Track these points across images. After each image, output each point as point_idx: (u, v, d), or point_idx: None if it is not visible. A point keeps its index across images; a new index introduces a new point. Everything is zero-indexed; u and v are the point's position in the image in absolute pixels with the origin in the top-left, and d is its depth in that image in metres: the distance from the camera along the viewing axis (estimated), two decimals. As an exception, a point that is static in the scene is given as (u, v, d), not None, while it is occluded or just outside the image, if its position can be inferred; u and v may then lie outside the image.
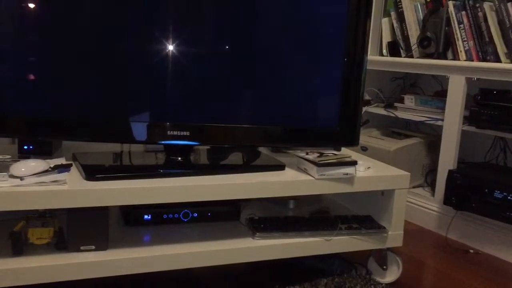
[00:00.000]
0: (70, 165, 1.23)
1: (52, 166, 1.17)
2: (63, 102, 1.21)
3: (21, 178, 1.09)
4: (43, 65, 1.18)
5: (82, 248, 1.14)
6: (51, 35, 1.17)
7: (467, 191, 1.79)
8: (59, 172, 1.16)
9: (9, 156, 1.23)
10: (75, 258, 1.11)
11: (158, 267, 1.18)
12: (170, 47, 1.24)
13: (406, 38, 2.18)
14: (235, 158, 1.44)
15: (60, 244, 1.15)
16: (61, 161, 1.25)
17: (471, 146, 2.16)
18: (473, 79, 1.87)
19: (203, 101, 1.29)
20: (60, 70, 1.19)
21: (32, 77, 1.18)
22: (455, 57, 1.96)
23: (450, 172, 1.86)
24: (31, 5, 1.15)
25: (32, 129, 1.21)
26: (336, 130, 1.41)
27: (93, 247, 1.15)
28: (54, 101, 1.20)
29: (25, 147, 1.30)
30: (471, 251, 1.83)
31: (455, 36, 1.93)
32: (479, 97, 1.84)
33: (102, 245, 1.16)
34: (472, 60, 1.89)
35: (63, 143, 1.45)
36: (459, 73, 1.89)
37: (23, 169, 1.10)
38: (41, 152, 1.30)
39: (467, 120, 1.89)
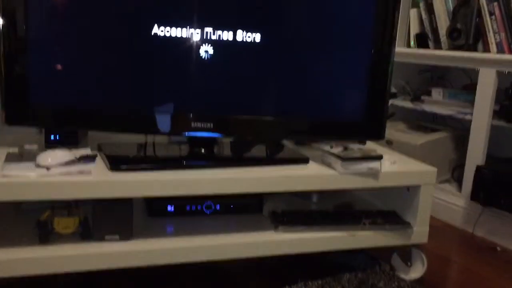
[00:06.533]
0: (95, 155, 1.24)
1: (77, 156, 1.18)
2: (90, 93, 1.21)
3: (48, 168, 1.10)
4: (70, 55, 1.19)
5: (106, 237, 1.15)
6: (78, 25, 1.18)
7: (495, 187, 1.75)
8: (84, 163, 1.17)
9: (36, 146, 1.25)
10: (99, 247, 1.13)
11: (180, 259, 1.19)
12: (196, 38, 1.23)
13: (434, 30, 2.13)
14: (259, 151, 1.43)
15: (85, 233, 1.16)
16: (87, 151, 1.27)
17: (500, 141, 2.11)
18: (504, 72, 1.82)
19: (228, 93, 1.29)
20: (87, 61, 1.20)
21: (59, 67, 1.19)
22: (486, 49, 1.90)
23: (478, 168, 1.81)
24: (58, -4, 1.15)
25: (58, 119, 1.22)
26: (362, 123, 1.38)
27: (117, 236, 1.16)
28: (80, 92, 1.21)
29: (52, 137, 1.31)
30: (499, 248, 1.79)
31: (486, 28, 1.88)
32: (510, 90, 1.79)
33: (126, 235, 1.17)
34: (504, 53, 1.83)
35: (88, 133, 1.46)
36: (489, 66, 1.84)
37: (49, 159, 1.12)
38: (67, 142, 1.31)
39: (496, 114, 1.84)
